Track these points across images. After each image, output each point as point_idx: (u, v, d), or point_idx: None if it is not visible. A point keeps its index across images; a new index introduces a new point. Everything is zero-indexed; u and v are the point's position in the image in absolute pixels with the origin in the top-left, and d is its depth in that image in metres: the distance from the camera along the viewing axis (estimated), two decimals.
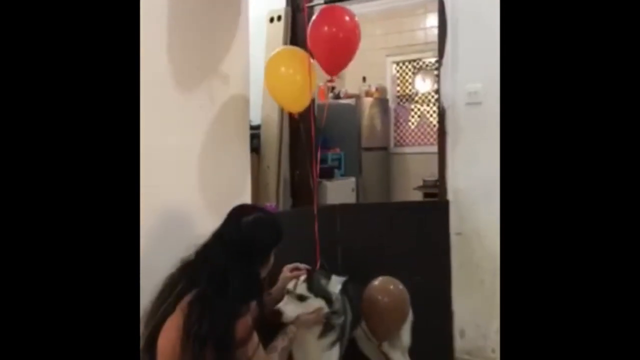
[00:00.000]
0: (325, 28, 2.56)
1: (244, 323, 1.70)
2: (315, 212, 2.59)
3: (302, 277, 2.14)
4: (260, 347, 1.76)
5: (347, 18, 2.59)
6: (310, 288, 2.11)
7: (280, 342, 1.95)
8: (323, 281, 2.17)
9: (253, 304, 1.77)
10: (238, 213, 1.93)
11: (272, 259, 1.95)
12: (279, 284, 2.22)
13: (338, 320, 2.24)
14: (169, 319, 1.72)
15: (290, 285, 2.12)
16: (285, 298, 2.09)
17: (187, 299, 1.73)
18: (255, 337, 1.72)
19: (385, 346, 2.68)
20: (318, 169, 2.68)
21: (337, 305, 2.22)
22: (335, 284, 2.16)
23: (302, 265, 2.30)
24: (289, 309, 2.05)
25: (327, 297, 2.15)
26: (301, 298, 2.09)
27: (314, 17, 2.61)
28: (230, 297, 1.70)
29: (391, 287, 2.60)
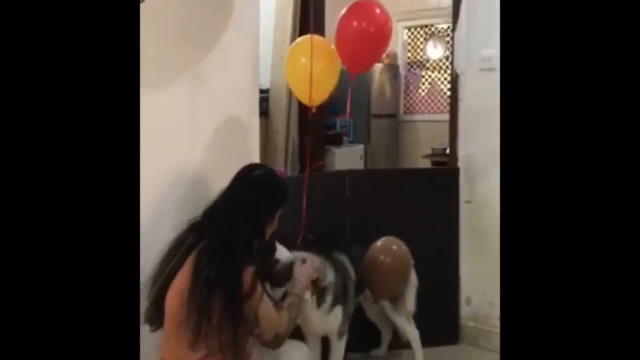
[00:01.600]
0: (355, 23, 2.46)
1: (249, 275, 1.71)
2: (305, 185, 2.54)
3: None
4: (266, 298, 1.78)
5: (377, 11, 2.48)
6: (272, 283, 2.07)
7: (289, 299, 1.97)
8: (281, 267, 2.11)
9: (255, 260, 1.77)
10: (248, 170, 1.95)
11: (276, 221, 1.96)
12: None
13: (325, 283, 2.26)
14: (179, 273, 1.74)
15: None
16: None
17: (197, 250, 1.75)
18: (259, 289, 1.74)
19: (390, 311, 2.69)
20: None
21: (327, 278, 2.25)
22: (313, 262, 2.18)
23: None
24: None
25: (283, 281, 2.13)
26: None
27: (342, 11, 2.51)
28: (239, 248, 1.72)
29: (393, 247, 2.60)
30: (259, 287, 1.74)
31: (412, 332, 2.74)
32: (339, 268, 2.39)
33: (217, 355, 1.69)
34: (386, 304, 2.66)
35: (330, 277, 2.30)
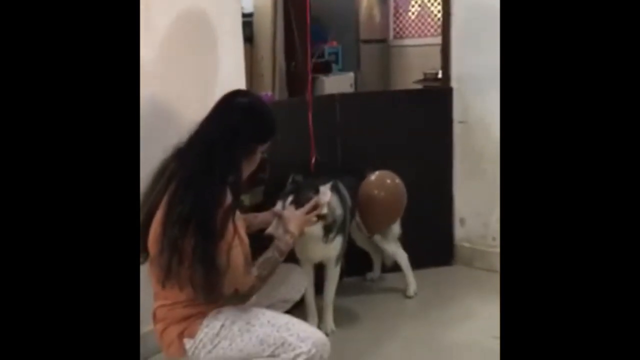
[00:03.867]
0: None
1: (222, 213, 1.62)
2: (310, 103, 2.46)
3: (289, 199, 2.07)
4: (238, 247, 1.67)
5: None
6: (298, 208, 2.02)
7: (267, 253, 1.83)
8: (307, 195, 2.08)
9: (230, 197, 1.66)
10: (230, 96, 1.82)
11: (257, 157, 1.80)
12: (265, 217, 2.07)
13: (335, 216, 2.22)
14: (160, 205, 1.67)
15: (278, 206, 2.06)
16: (274, 222, 1.97)
17: (174, 182, 1.67)
18: (231, 229, 1.63)
19: (379, 239, 2.71)
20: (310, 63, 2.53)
21: (330, 214, 2.18)
22: (324, 194, 2.09)
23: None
24: (279, 231, 1.93)
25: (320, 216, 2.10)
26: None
27: None
28: (214, 184, 1.63)
29: (387, 181, 2.57)
30: (231, 229, 1.63)
31: (401, 255, 2.79)
32: (342, 199, 2.35)
33: (186, 291, 1.65)
34: (362, 232, 2.67)
35: (338, 210, 2.26)
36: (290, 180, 2.23)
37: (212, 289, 1.62)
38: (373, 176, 2.57)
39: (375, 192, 2.55)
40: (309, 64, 2.52)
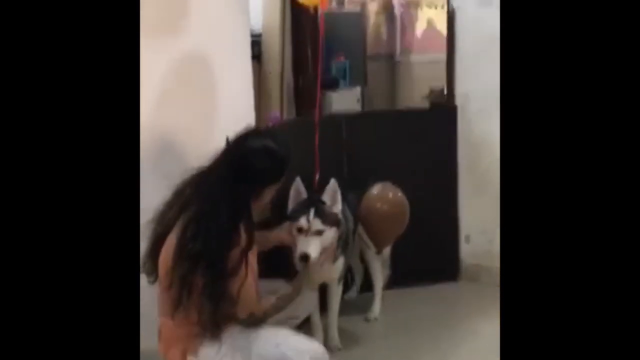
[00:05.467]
0: None
1: (236, 253, 1.67)
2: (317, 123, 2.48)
3: (312, 212, 2.07)
4: (250, 280, 1.72)
5: None
6: (323, 221, 2.07)
7: (287, 288, 1.92)
8: (327, 207, 2.12)
9: (244, 236, 1.71)
10: (249, 135, 1.86)
11: (269, 196, 1.84)
12: (280, 236, 2.12)
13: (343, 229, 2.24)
14: (171, 233, 1.71)
15: (302, 222, 2.04)
16: (301, 238, 2.02)
17: (187, 214, 1.70)
18: (243, 270, 1.69)
19: (372, 256, 2.68)
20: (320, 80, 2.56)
21: (343, 224, 2.21)
22: (337, 203, 2.13)
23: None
24: (313, 249, 2.00)
25: (338, 222, 2.13)
26: (319, 233, 2.06)
27: None
28: (223, 224, 1.66)
29: (390, 194, 2.55)
30: (244, 270, 1.68)
31: (378, 277, 2.74)
32: (347, 219, 2.37)
33: (195, 327, 1.68)
34: (371, 249, 2.65)
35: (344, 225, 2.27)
36: (294, 187, 2.18)
37: (218, 324, 1.67)
38: (375, 189, 2.55)
39: (378, 205, 2.53)
40: (319, 83, 2.55)
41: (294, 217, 2.08)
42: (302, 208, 2.10)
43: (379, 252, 2.68)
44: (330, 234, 2.09)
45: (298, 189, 2.14)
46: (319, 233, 2.06)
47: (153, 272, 1.77)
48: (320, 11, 2.45)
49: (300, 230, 2.04)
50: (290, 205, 2.14)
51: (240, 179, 1.73)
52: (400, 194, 2.56)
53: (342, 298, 2.54)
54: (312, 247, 2.00)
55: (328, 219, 2.09)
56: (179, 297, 1.64)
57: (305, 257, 1.97)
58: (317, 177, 2.55)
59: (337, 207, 2.14)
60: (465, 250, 3.18)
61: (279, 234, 2.10)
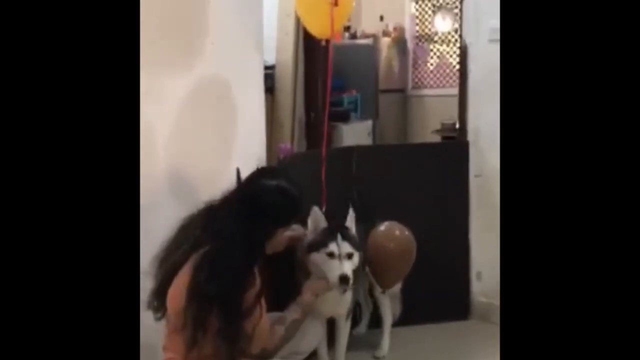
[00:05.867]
0: None
1: (251, 295, 1.66)
2: (324, 157, 2.46)
3: (339, 236, 2.04)
4: (264, 318, 1.71)
5: None
6: (352, 244, 2.05)
7: (292, 314, 1.89)
8: (351, 231, 2.11)
9: (258, 277, 1.70)
10: (262, 173, 1.86)
11: (281, 236, 1.82)
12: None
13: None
14: (181, 271, 1.68)
15: (333, 247, 2.01)
16: (334, 263, 2.00)
17: (198, 254, 1.67)
18: (258, 310, 1.67)
19: (381, 293, 2.63)
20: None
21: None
22: (317, 215, 2.11)
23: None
24: (348, 269, 1.99)
25: (361, 247, 2.12)
26: (350, 256, 2.04)
27: None
28: (237, 261, 1.64)
29: (396, 232, 2.50)
30: (258, 309, 1.67)
31: (388, 313, 2.69)
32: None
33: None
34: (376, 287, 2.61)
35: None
36: (313, 217, 2.12)
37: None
38: (382, 227, 2.50)
39: (384, 243, 2.48)
40: (326, 119, 2.56)
41: (321, 244, 2.04)
42: (327, 234, 2.06)
43: (383, 291, 2.63)
44: (357, 257, 2.08)
45: (317, 218, 2.10)
46: (350, 256, 2.04)
47: (160, 310, 1.74)
48: (330, 43, 2.43)
49: (331, 255, 2.02)
50: (310, 235, 2.10)
51: (254, 218, 1.70)
52: (407, 232, 2.51)
53: (351, 333, 2.49)
54: (348, 268, 1.98)
55: (355, 242, 2.08)
56: (194, 337, 1.60)
57: (345, 279, 1.95)
58: (323, 209, 2.54)
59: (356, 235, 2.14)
60: (477, 288, 3.12)
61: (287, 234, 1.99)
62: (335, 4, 2.23)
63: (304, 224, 2.08)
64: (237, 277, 1.63)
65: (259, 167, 1.90)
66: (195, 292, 1.61)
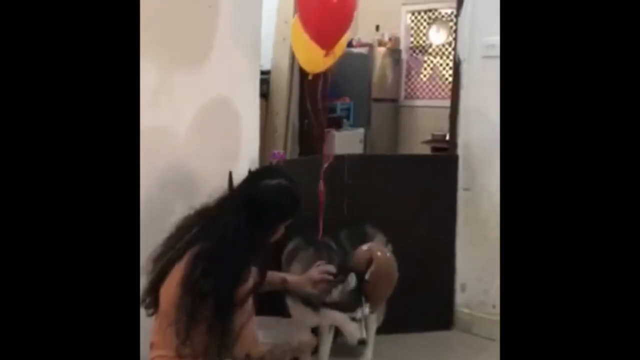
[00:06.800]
0: None
1: (245, 287, 1.68)
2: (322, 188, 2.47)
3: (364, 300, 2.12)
4: (252, 321, 1.73)
5: None
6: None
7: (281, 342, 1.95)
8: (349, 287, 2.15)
9: (254, 270, 1.73)
10: (262, 173, 1.89)
11: (282, 230, 1.87)
12: (303, 279, 2.15)
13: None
14: (176, 265, 1.70)
15: (359, 314, 2.11)
16: (353, 325, 2.10)
17: (195, 249, 1.69)
18: (249, 305, 1.69)
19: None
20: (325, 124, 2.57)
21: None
22: (352, 281, 2.14)
23: (330, 268, 2.18)
24: (365, 333, 2.14)
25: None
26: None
27: None
28: (236, 258, 1.67)
29: (378, 254, 2.44)
30: (250, 304, 1.69)
31: (374, 322, 2.69)
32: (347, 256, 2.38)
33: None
34: None
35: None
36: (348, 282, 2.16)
37: (221, 356, 1.66)
38: (366, 246, 2.46)
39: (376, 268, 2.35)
40: (324, 129, 2.58)
41: (348, 308, 2.12)
42: (354, 297, 2.12)
43: (372, 311, 2.54)
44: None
45: (350, 284, 2.13)
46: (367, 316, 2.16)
47: (152, 306, 1.76)
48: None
49: (354, 319, 2.11)
50: (336, 294, 2.13)
51: (257, 217, 1.73)
52: (389, 254, 2.48)
53: (334, 342, 2.52)
54: (365, 331, 2.12)
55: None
56: (187, 330, 1.62)
57: (364, 342, 2.12)
58: (321, 223, 2.54)
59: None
60: (460, 299, 3.16)
61: (284, 277, 2.12)
62: (327, 54, 2.25)
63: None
64: (236, 275, 1.66)
65: (258, 168, 1.92)
66: (190, 286, 1.63)
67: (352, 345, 2.14)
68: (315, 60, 2.37)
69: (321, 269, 2.15)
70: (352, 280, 2.11)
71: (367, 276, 2.15)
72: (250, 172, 1.89)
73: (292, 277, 2.18)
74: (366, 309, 2.10)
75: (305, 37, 2.30)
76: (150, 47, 1.54)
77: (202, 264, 1.65)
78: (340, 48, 2.41)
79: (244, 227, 1.70)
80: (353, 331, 2.09)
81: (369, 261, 2.21)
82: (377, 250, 2.48)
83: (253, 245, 1.72)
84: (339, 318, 2.12)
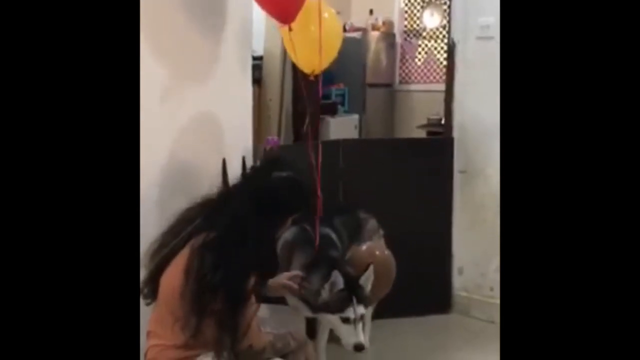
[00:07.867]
0: None
1: (253, 284, 1.66)
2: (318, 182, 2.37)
3: (355, 300, 2.03)
4: (257, 308, 1.73)
5: None
6: (365, 305, 2.08)
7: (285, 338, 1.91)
8: (364, 288, 2.10)
9: (265, 265, 1.75)
10: (271, 165, 1.86)
11: (289, 223, 1.86)
12: (275, 284, 2.09)
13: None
14: (178, 255, 1.67)
15: (350, 313, 2.01)
16: (348, 328, 2.02)
17: (200, 239, 1.65)
18: (253, 299, 1.68)
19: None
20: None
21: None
22: (339, 281, 2.07)
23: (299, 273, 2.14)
24: (362, 336, 2.03)
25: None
26: (362, 317, 2.05)
27: None
28: (248, 250, 1.64)
29: (377, 252, 2.44)
30: (253, 298, 1.67)
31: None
32: (343, 244, 2.37)
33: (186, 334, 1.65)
34: None
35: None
36: (332, 281, 2.08)
37: (234, 349, 1.64)
38: (364, 246, 2.46)
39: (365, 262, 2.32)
40: (318, 124, 2.54)
41: (337, 308, 2.03)
42: (344, 298, 2.04)
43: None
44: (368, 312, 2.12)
45: (336, 283, 2.05)
46: (362, 317, 2.06)
47: (151, 296, 1.74)
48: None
49: (346, 320, 2.02)
50: (325, 294, 2.07)
51: (267, 209, 1.71)
52: (387, 252, 2.46)
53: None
54: (362, 334, 2.01)
55: (366, 301, 2.09)
56: (198, 325, 1.60)
57: (360, 347, 1.98)
58: (320, 205, 2.51)
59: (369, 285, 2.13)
60: (458, 283, 3.16)
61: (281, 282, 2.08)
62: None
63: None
64: (245, 268, 1.64)
65: (269, 158, 1.91)
66: (198, 279, 1.60)
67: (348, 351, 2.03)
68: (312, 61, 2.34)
69: (287, 275, 2.11)
70: (338, 279, 2.03)
71: (361, 281, 2.09)
72: (259, 162, 1.87)
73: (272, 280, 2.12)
74: (361, 309, 2.03)
75: (296, 43, 2.25)
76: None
77: (211, 256, 1.61)
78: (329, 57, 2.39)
79: (252, 218, 1.67)
80: (346, 335, 2.01)
81: (367, 266, 2.15)
82: (375, 249, 2.46)
83: (262, 237, 1.70)
84: (333, 320, 2.05)
